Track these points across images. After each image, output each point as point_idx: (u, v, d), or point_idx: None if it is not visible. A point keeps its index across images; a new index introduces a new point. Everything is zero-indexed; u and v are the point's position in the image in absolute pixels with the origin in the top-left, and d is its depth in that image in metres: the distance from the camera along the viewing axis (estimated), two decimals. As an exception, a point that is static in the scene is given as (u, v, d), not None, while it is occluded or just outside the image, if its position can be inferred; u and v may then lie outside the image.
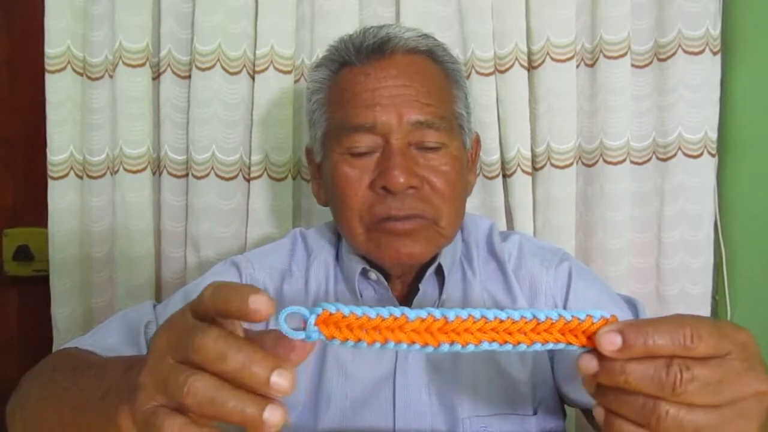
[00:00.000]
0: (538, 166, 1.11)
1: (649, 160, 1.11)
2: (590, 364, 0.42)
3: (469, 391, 0.73)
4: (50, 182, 1.08)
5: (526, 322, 0.42)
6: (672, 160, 1.08)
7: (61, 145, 1.08)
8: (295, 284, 0.81)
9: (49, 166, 1.08)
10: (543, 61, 1.07)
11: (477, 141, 0.86)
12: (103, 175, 1.11)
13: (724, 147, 1.10)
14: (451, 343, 0.42)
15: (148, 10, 1.08)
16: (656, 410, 0.40)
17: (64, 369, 0.62)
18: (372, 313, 0.41)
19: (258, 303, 0.37)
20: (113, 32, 1.07)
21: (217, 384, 0.37)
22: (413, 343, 0.41)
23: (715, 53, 1.06)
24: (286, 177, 1.10)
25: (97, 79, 1.09)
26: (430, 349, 0.42)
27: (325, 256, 0.83)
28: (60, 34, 1.06)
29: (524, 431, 0.73)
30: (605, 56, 1.07)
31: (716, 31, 1.06)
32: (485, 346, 0.42)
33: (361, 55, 0.75)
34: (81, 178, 1.11)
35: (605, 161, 1.08)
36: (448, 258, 0.78)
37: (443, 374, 0.74)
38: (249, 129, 1.10)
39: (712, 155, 1.08)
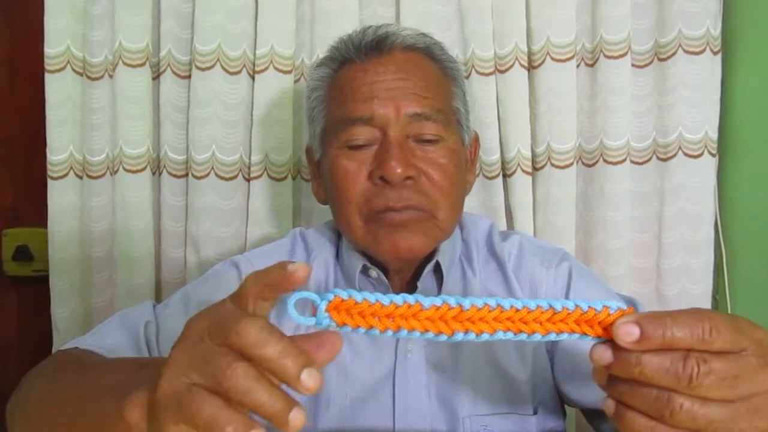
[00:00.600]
0: (538, 166, 1.11)
1: (649, 160, 1.10)
2: (604, 354, 0.41)
3: (468, 390, 0.73)
4: (50, 182, 1.08)
5: (542, 312, 0.42)
6: (672, 160, 1.08)
7: (61, 145, 1.08)
8: (295, 284, 0.81)
9: (49, 166, 1.08)
10: (543, 61, 1.07)
11: (476, 140, 0.86)
12: (103, 175, 1.11)
13: (724, 147, 1.10)
14: (466, 332, 0.41)
15: (148, 10, 1.08)
16: (670, 403, 0.39)
17: (67, 368, 0.62)
18: (385, 300, 0.41)
19: (294, 265, 0.40)
20: (113, 32, 1.07)
21: (257, 375, 0.38)
22: (426, 331, 0.41)
23: (715, 53, 1.06)
24: (286, 177, 1.10)
25: (97, 79, 1.09)
26: (443, 337, 0.41)
27: (325, 255, 0.83)
28: (60, 34, 1.06)
29: (524, 431, 0.73)
30: (605, 56, 1.06)
31: (717, 31, 1.06)
32: (500, 335, 0.42)
33: (360, 53, 0.76)
34: (81, 178, 1.11)
35: (605, 161, 1.08)
36: (446, 256, 0.78)
37: (443, 373, 0.74)
38: (249, 129, 1.10)
39: (713, 155, 1.07)
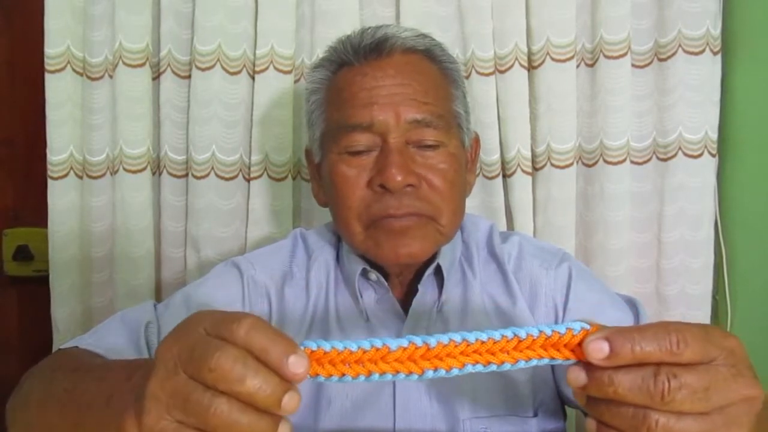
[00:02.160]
0: (538, 166, 1.11)
1: (649, 160, 1.11)
2: (579, 376, 0.42)
3: (468, 392, 0.73)
4: (50, 182, 1.08)
5: (507, 341, 0.43)
6: (672, 160, 1.08)
7: (61, 145, 1.08)
8: (296, 286, 0.81)
9: (49, 166, 1.08)
10: (543, 61, 1.07)
11: (476, 141, 0.86)
12: (103, 175, 1.11)
13: (724, 147, 1.10)
14: (435, 369, 0.42)
15: (148, 10, 1.08)
16: (646, 420, 0.40)
17: (65, 369, 0.62)
18: (353, 346, 0.42)
19: (298, 366, 0.39)
20: (113, 32, 1.07)
21: (240, 407, 0.38)
22: (397, 372, 0.42)
23: (715, 53, 1.06)
24: (285, 177, 1.10)
25: (97, 79, 1.09)
26: (414, 376, 0.42)
27: (326, 257, 0.82)
28: (60, 34, 1.06)
29: (524, 432, 0.73)
30: (605, 56, 1.07)
31: (716, 31, 1.06)
32: (469, 368, 0.43)
33: (358, 55, 0.75)
34: (81, 178, 1.11)
35: (605, 161, 1.08)
36: (447, 259, 0.77)
37: (443, 375, 0.74)
38: (249, 129, 1.10)
39: (713, 155, 1.08)
